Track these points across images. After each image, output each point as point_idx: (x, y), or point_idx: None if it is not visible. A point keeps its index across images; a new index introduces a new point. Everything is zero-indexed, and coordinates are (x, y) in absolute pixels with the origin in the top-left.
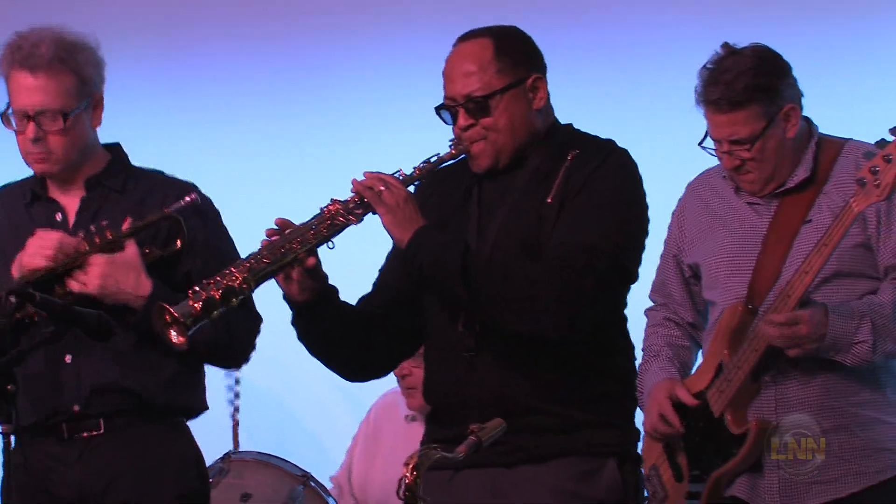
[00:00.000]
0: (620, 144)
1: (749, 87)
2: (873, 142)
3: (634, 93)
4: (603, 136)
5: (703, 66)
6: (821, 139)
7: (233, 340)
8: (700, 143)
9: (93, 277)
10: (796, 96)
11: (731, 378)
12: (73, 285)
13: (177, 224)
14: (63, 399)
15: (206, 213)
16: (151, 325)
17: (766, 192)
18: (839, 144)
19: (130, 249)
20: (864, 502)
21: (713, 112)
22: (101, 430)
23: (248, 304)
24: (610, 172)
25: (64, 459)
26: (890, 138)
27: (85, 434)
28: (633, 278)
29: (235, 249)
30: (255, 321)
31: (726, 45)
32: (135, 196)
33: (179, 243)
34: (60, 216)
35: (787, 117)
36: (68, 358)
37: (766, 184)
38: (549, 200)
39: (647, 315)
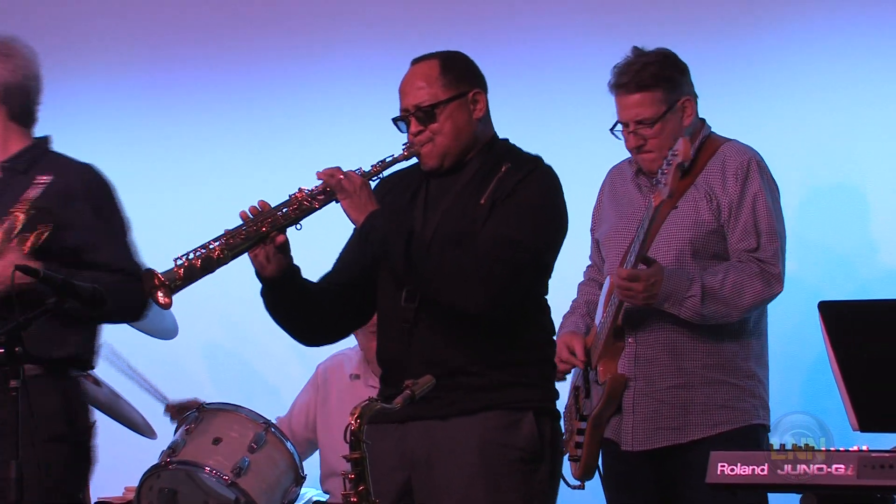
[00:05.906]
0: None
1: (654, 74)
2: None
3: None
4: (532, 149)
5: (615, 65)
6: (707, 137)
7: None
8: (611, 129)
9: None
10: (692, 93)
11: (600, 335)
12: None
13: (42, 213)
14: None
15: (95, 193)
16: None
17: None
18: (719, 143)
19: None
20: (702, 449)
21: (623, 94)
22: None
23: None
24: (535, 182)
25: None
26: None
27: None
28: (549, 271)
29: (124, 224)
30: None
31: (635, 48)
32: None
33: (47, 228)
34: None
35: (684, 108)
36: None
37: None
38: (482, 202)
39: (584, 273)
